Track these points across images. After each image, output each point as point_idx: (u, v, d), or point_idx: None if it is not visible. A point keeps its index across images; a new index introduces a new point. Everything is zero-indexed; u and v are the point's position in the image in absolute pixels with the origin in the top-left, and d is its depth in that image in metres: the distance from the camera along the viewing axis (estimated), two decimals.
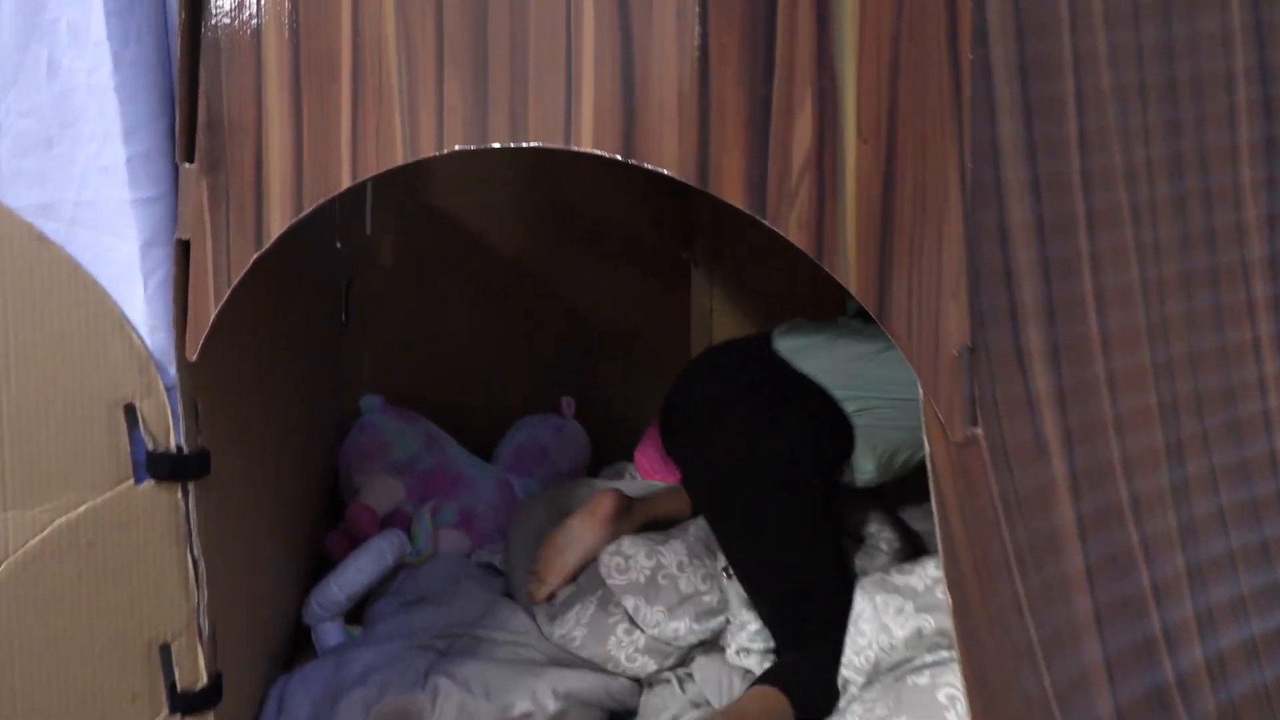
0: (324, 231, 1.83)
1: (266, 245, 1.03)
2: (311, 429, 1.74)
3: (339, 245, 1.87)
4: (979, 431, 0.87)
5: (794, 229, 0.86)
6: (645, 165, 0.87)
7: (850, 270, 0.86)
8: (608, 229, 2.12)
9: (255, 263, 1.04)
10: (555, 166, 2.03)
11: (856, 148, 0.85)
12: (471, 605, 1.64)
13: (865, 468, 1.41)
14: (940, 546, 0.87)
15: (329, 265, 1.86)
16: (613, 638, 1.48)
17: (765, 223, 0.86)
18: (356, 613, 1.64)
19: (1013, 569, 0.88)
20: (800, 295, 1.80)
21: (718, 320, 2.22)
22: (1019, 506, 0.89)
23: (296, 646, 1.60)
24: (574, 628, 1.52)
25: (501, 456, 2.00)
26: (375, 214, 1.91)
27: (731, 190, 0.86)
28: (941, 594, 1.29)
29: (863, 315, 1.46)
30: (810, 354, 1.43)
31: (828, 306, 1.60)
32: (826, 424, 1.38)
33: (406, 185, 1.94)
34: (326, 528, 1.77)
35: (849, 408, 1.38)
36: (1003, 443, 0.89)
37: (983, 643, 0.88)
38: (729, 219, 2.13)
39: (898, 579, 1.36)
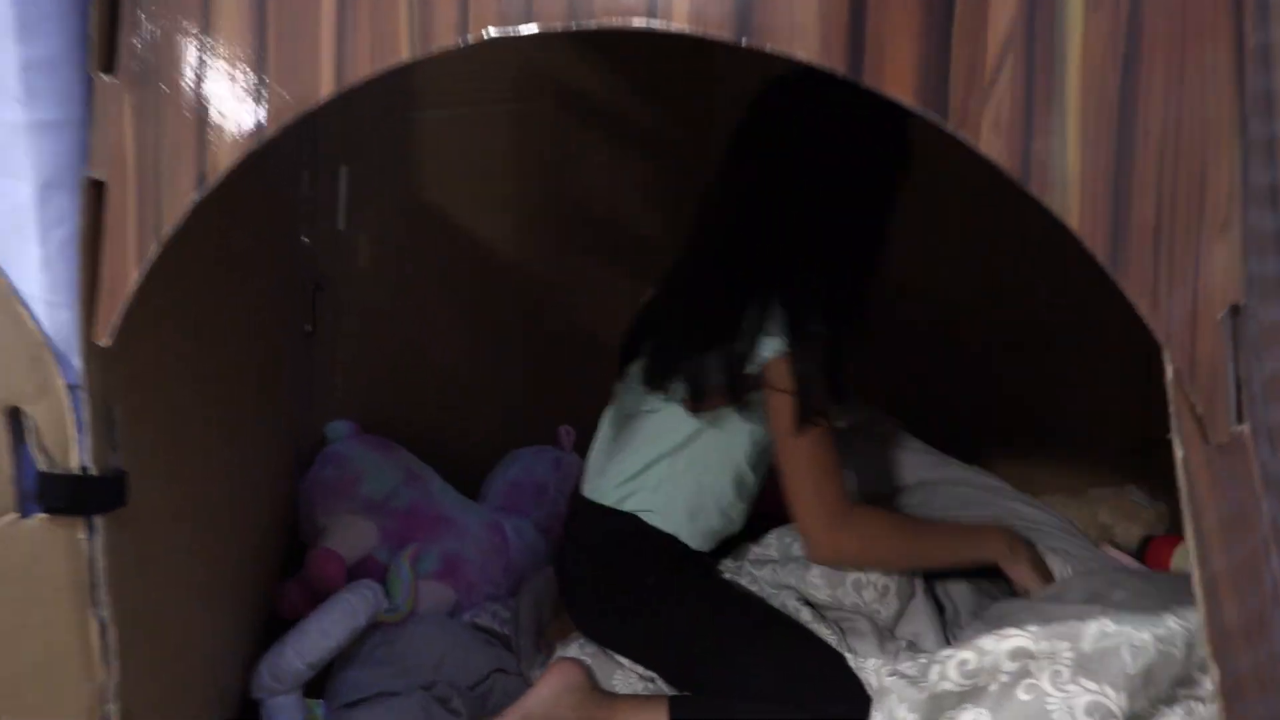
0: (289, 223, 1.56)
1: (211, 183, 0.74)
2: (267, 458, 1.49)
3: (306, 240, 1.63)
4: (1246, 430, 0.60)
5: (988, 136, 0.60)
6: (768, 49, 0.59)
7: (1070, 194, 0.60)
8: (619, 232, 1.90)
9: (196, 214, 0.75)
10: (561, 158, 1.81)
11: (1084, 18, 0.58)
12: (463, 677, 1.40)
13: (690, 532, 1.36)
14: (1199, 588, 0.61)
15: (294, 265, 1.62)
16: (619, 673, 1.35)
17: (946, 127, 0.60)
18: (318, 683, 1.40)
19: None
20: None
21: None
22: None
23: None
24: (577, 654, 1.38)
25: (491, 494, 1.79)
26: (350, 205, 1.69)
27: (897, 80, 0.59)
28: (1024, 694, 1.04)
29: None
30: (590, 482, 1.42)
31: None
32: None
33: (388, 173, 1.73)
34: (282, 579, 1.54)
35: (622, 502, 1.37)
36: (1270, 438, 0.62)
37: None
38: None
39: (956, 679, 1.08)
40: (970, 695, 1.08)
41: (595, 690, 1.32)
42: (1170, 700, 1.09)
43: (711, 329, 1.27)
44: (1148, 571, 1.51)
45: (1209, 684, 1.07)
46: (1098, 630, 1.05)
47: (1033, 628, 1.07)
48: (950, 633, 1.34)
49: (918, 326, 1.71)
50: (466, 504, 1.72)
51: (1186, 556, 1.56)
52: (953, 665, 1.08)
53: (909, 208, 1.29)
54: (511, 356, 1.86)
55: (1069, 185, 0.60)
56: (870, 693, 1.19)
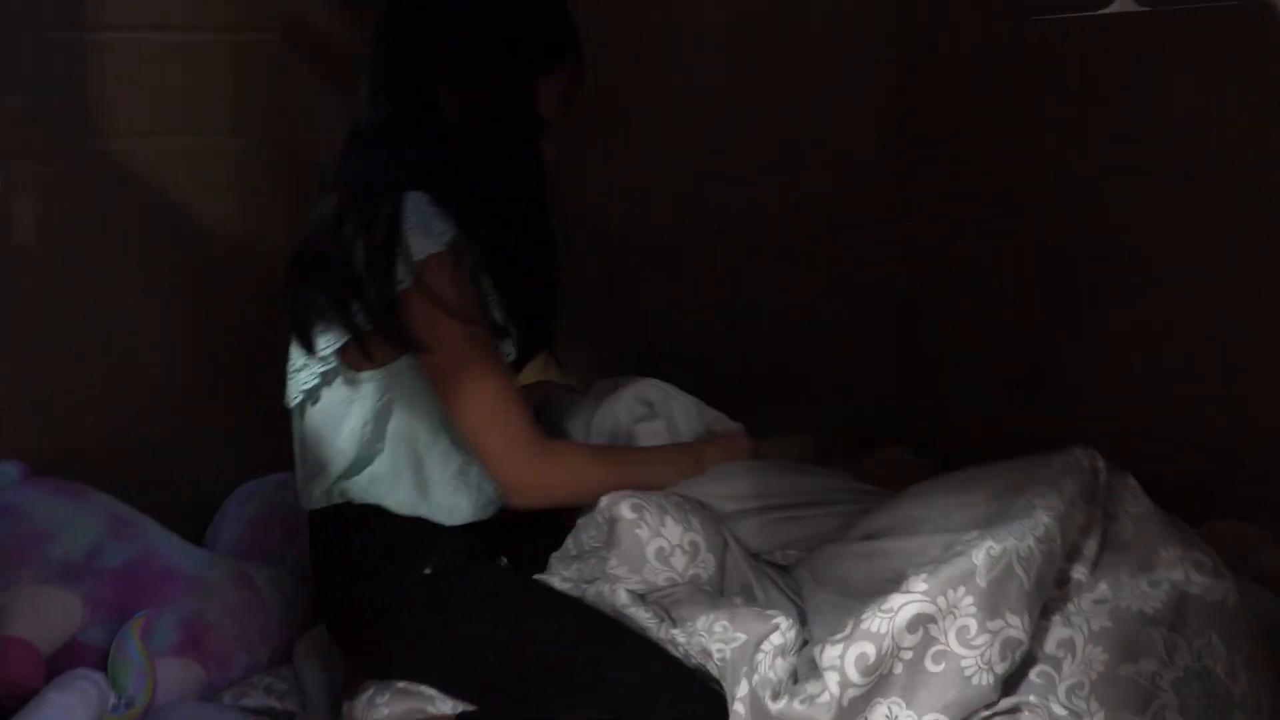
0: None
1: None
2: None
3: None
4: None
5: None
6: None
7: None
8: None
9: None
10: (290, 104, 1.58)
11: None
12: None
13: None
14: None
15: None
16: (431, 708, 1.20)
17: None
18: None
19: None
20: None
21: None
22: None
23: None
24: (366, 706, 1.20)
25: (223, 540, 1.56)
26: (4, 160, 1.38)
27: None
28: (934, 664, 0.99)
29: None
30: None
31: None
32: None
33: (53, 112, 1.42)
34: None
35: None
36: None
37: None
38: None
39: (860, 682, 0.99)
40: (877, 688, 0.99)
41: None
42: (1047, 612, 1.06)
43: (349, 255, 1.14)
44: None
45: (1076, 573, 1.07)
46: (986, 556, 1.00)
47: (921, 586, 0.99)
48: (764, 573, 1.25)
49: None
50: (200, 554, 1.46)
51: None
52: (851, 665, 0.98)
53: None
54: (237, 361, 1.59)
55: None
56: (712, 665, 1.07)
